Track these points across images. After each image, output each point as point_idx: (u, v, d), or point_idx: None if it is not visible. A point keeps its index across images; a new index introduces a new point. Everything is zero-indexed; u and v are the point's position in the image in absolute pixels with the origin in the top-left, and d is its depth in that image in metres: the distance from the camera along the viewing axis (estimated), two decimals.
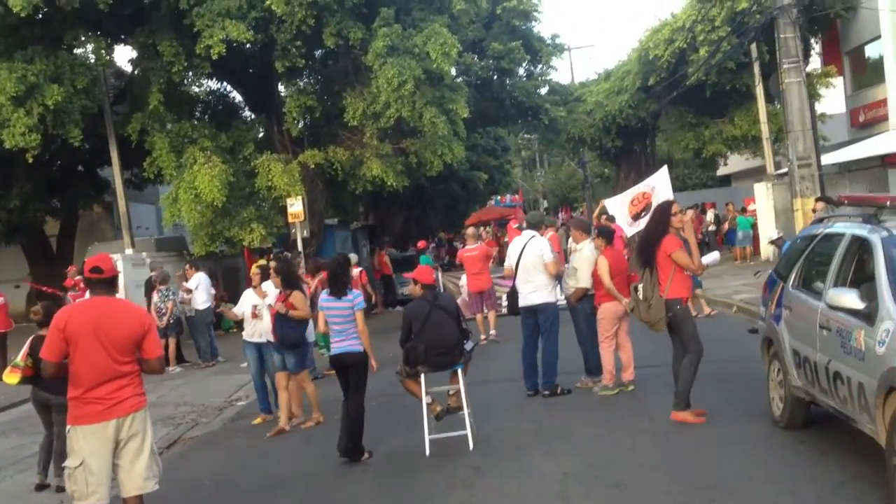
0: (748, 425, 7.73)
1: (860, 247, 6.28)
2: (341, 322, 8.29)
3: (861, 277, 6.19)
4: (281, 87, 23.25)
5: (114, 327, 5.60)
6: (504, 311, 17.58)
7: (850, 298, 5.79)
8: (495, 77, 28.04)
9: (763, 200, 25.69)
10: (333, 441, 8.41)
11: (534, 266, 9.94)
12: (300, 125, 21.99)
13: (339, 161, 21.70)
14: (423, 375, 8.27)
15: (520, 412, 9.39)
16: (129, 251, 20.65)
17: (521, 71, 29.23)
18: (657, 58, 26.25)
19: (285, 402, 10.07)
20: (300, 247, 19.99)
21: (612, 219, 18.78)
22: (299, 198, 20.11)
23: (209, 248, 21.06)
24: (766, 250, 23.38)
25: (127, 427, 5.63)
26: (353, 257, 20.38)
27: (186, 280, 17.44)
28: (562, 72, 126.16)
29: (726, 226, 28.51)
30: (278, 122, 22.73)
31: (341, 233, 26.04)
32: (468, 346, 8.33)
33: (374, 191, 24.72)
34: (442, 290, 19.85)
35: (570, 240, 16.49)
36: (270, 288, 10.51)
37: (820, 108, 28.54)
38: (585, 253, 10.10)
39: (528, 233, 10.42)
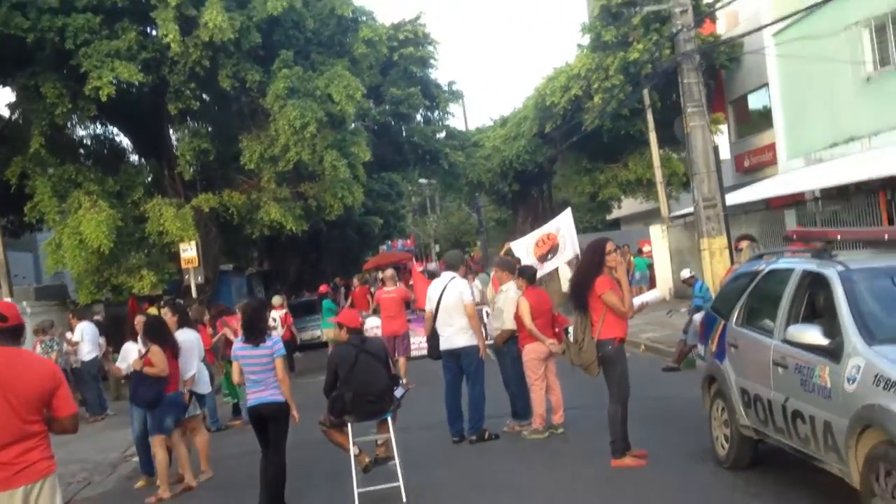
0: (693, 466, 7.48)
1: (812, 282, 6.14)
2: (259, 371, 7.68)
3: (813, 313, 6.03)
4: (172, 131, 22.39)
5: (21, 382, 4.90)
6: (414, 354, 17.25)
7: (813, 335, 5.59)
8: (393, 122, 27.85)
9: (658, 242, 26.19)
10: (247, 500, 7.74)
11: (454, 308, 9.57)
12: (193, 169, 21.13)
13: (235, 205, 20.93)
14: (349, 425, 7.71)
15: (449, 460, 8.91)
16: (7, 300, 19.24)
17: (419, 117, 29.19)
18: (554, 104, 26.51)
19: (163, 466, 9.15)
20: (194, 293, 19.10)
21: (518, 261, 18.73)
22: (193, 242, 19.25)
23: (95, 295, 19.89)
24: (663, 291, 23.75)
25: (35, 495, 4.91)
26: (278, 299, 19.70)
27: (71, 330, 16.34)
28: (457, 118, 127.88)
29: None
30: (169, 166, 21.80)
31: (236, 279, 25.19)
32: (398, 392, 7.83)
33: (270, 236, 24.01)
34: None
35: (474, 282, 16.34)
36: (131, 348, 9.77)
37: None
38: (511, 293, 9.80)
39: (447, 274, 10.04)
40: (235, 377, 8.07)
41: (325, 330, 18.98)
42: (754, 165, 28.52)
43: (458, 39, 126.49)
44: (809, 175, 20.51)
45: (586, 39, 27.44)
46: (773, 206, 23.03)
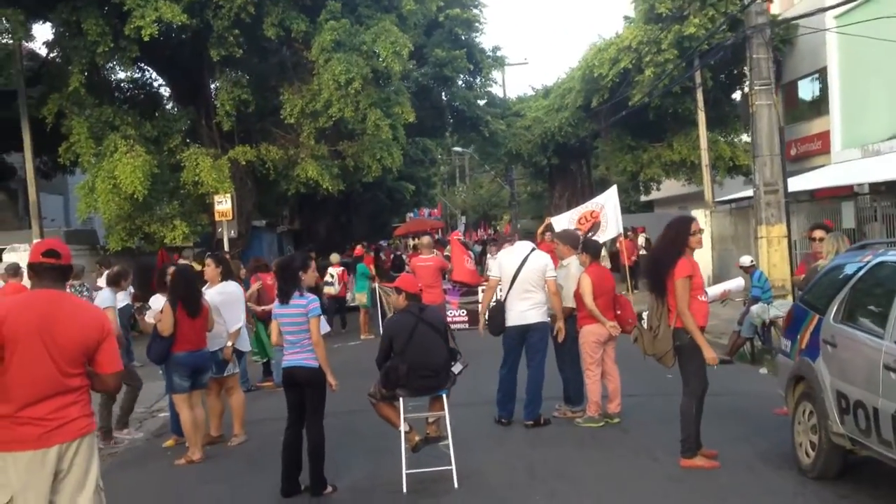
0: (772, 474, 6.86)
1: None
2: (293, 331, 7.08)
3: None
4: (212, 79, 21.82)
5: (64, 330, 4.38)
6: (464, 327, 16.69)
7: None
8: (434, 85, 27.11)
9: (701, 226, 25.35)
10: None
11: (535, 282, 8.88)
12: (231, 119, 20.59)
13: (272, 160, 20.44)
14: (401, 400, 7.15)
15: (499, 444, 8.33)
16: (37, 241, 18.87)
17: (460, 82, 28.42)
18: (602, 76, 25.69)
19: (188, 425, 8.58)
20: (226, 247, 18.62)
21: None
22: (228, 195, 18.72)
23: (126, 243, 19.49)
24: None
25: (70, 455, 4.42)
26: (335, 256, 19.33)
27: (100, 277, 15.88)
28: (496, 85, 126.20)
29: None
30: (207, 115, 21.29)
31: (268, 235, 24.70)
32: (456, 368, 7.24)
33: (304, 194, 23.48)
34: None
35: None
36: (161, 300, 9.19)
37: None
38: (572, 270, 9.16)
39: (525, 244, 9.30)
40: (273, 337, 7.51)
41: (357, 294, 18.42)
42: (802, 154, 27.59)
43: (497, 5, 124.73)
44: (872, 166, 19.63)
45: (633, 11, 26.60)
46: (818, 197, 22.23)
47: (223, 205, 18.63)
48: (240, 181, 20.56)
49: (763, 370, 11.91)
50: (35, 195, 20.12)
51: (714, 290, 10.83)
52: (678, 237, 7.13)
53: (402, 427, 7.14)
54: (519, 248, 9.33)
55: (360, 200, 34.80)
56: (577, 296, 8.86)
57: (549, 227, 20.04)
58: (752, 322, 12.56)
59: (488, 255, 19.99)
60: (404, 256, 28.57)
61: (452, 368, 7.19)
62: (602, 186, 36.83)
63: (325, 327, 7.39)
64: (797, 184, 22.72)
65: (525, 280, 8.93)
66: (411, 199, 41.85)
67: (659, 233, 7.79)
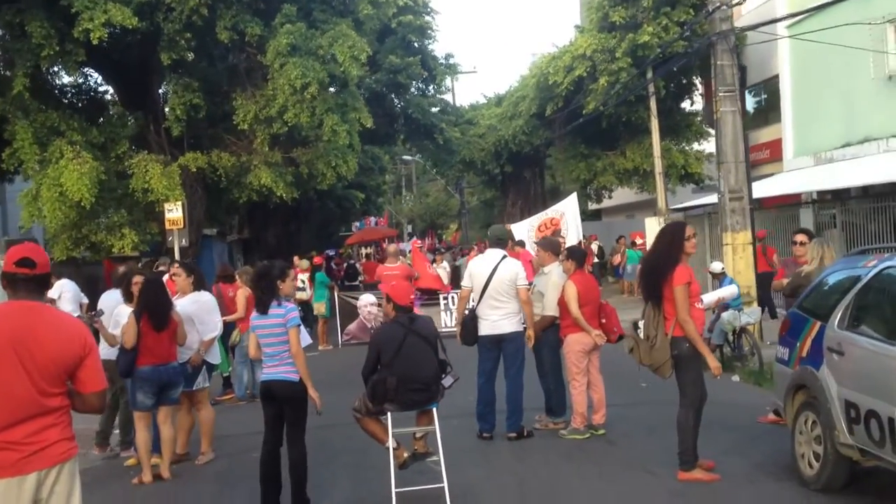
0: (774, 485, 6.66)
1: None
2: (272, 343, 6.70)
3: None
4: (162, 83, 21.18)
5: (43, 346, 3.97)
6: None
7: None
8: (388, 92, 26.76)
9: (654, 234, 25.38)
10: (249, 489, 6.80)
11: (507, 291, 8.58)
12: (181, 125, 19.93)
13: (224, 167, 19.83)
14: (389, 415, 6.79)
15: (485, 459, 8.02)
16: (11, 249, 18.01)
17: (413, 89, 28.11)
18: (556, 84, 25.55)
19: (141, 445, 8.15)
20: (177, 256, 17.98)
21: (521, 244, 17.95)
22: (179, 203, 18.08)
23: (71, 252, 18.71)
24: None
25: (50, 483, 4.01)
26: (304, 262, 18.82)
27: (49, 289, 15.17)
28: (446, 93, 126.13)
29: (617, 258, 28.24)
30: (156, 121, 20.59)
31: (219, 244, 24.03)
32: (447, 381, 6.90)
33: (255, 202, 22.91)
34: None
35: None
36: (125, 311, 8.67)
37: (710, 147, 28.86)
38: (554, 277, 8.89)
39: (495, 251, 8.96)
40: (252, 350, 7.09)
41: (316, 304, 17.97)
42: (751, 162, 27.87)
43: (446, 13, 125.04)
44: (827, 173, 19.81)
45: (585, 20, 26.58)
46: (766, 206, 22.40)
47: (174, 213, 18.00)
48: (190, 188, 19.89)
49: (735, 378, 11.79)
50: None
51: (709, 298, 10.65)
52: (674, 243, 6.92)
53: (390, 443, 6.78)
54: (489, 256, 9.04)
55: (310, 209, 34.19)
56: (562, 304, 8.60)
57: (510, 234, 19.98)
58: (722, 329, 12.44)
59: (435, 265, 19.73)
60: (357, 265, 28.15)
61: (443, 381, 6.85)
62: (554, 194, 36.94)
63: (306, 339, 6.99)
64: (761, 190, 22.90)
65: (496, 289, 8.65)
66: (360, 207, 41.34)
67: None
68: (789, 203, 21.41)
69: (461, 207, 44.86)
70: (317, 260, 20.71)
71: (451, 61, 28.93)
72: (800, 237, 9.25)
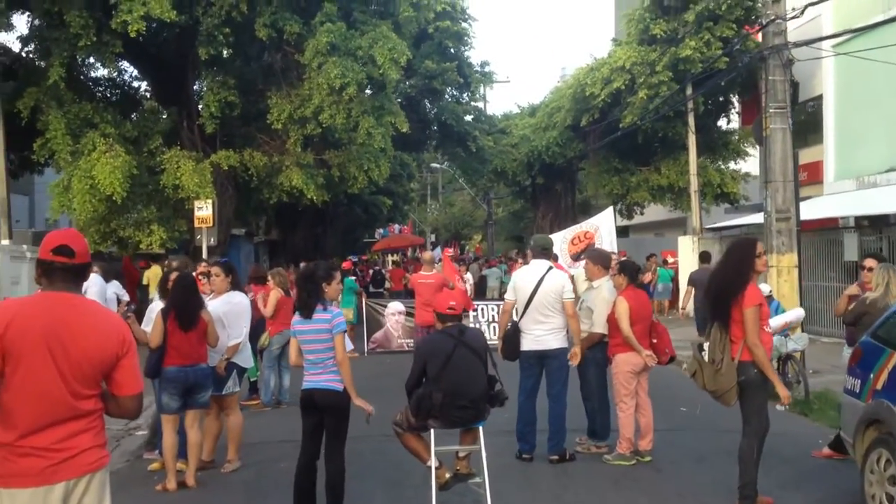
0: None
1: None
2: (316, 350, 6.33)
3: None
4: (197, 79, 20.96)
5: (78, 341, 3.60)
6: None
7: None
8: (423, 98, 26.44)
9: (687, 254, 24.88)
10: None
11: (552, 305, 8.16)
12: (215, 122, 19.69)
13: (256, 166, 19.58)
14: (432, 432, 6.41)
15: (527, 482, 7.59)
16: (5, 242, 17.79)
17: (447, 96, 27.79)
18: (593, 96, 25.16)
19: (168, 450, 7.82)
20: (205, 255, 17.70)
21: (554, 258, 17.55)
22: (209, 201, 17.84)
23: (98, 246, 18.52)
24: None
25: (79, 494, 3.64)
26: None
27: None
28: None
29: (648, 276, 27.70)
30: (189, 117, 20.38)
31: (246, 245, 23.76)
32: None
33: (282, 204, 22.64)
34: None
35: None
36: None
37: (746, 167, 28.36)
38: (604, 292, 8.48)
39: (541, 263, 8.51)
40: (293, 357, 6.67)
41: (343, 310, 17.55)
42: None
43: (479, 24, 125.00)
44: (871, 198, 19.27)
45: (621, 33, 26.16)
46: (805, 229, 21.91)
47: (203, 211, 17.76)
48: (221, 187, 19.66)
49: (780, 407, 11.26)
50: (5, 193, 19.09)
51: (776, 322, 10.18)
52: (745, 261, 6.48)
53: (433, 462, 6.39)
54: (534, 267, 8.57)
55: (336, 213, 33.92)
56: (612, 321, 8.18)
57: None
58: None
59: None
60: (384, 272, 27.81)
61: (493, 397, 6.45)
62: (585, 208, 36.45)
63: (349, 345, 6.63)
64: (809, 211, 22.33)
65: (541, 303, 8.21)
66: (387, 214, 41.02)
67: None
68: (827, 227, 20.83)
69: (488, 218, 44.42)
70: (345, 265, 20.35)
71: (487, 69, 28.49)
72: (869, 262, 8.75)
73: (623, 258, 10.78)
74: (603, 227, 19.02)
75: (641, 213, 31.94)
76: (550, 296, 8.14)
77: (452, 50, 26.72)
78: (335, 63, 17.28)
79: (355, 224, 39.80)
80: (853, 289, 9.15)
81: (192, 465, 7.88)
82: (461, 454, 6.71)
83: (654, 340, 8.25)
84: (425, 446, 6.46)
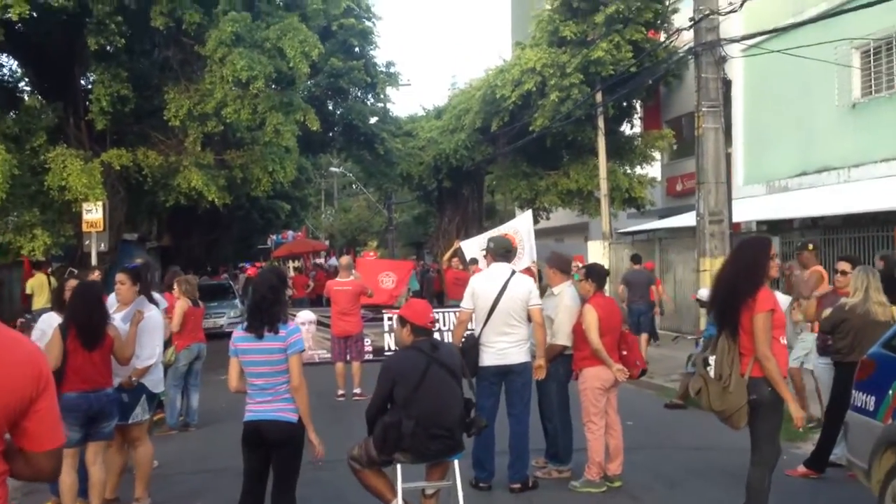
0: None
1: None
2: (266, 373, 5.24)
3: None
4: (86, 72, 19.32)
5: None
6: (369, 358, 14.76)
7: None
8: (328, 97, 25.33)
9: (598, 258, 24.51)
10: None
11: (517, 314, 7.25)
12: (106, 119, 18.11)
13: (150, 166, 18.10)
14: (398, 467, 5.43)
15: None
16: None
17: (353, 97, 26.76)
18: (503, 98, 24.53)
19: (66, 489, 6.51)
20: (94, 261, 16.18)
21: (474, 261, 16.81)
22: (100, 203, 16.32)
23: None
24: None
25: None
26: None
27: None
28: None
29: None
30: (76, 112, 18.75)
31: (139, 251, 22.09)
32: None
33: (179, 207, 21.15)
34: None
35: None
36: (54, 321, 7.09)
37: (651, 171, 28.28)
38: (566, 300, 7.60)
39: (502, 267, 7.58)
40: (233, 381, 5.42)
41: None
42: (688, 190, 27.24)
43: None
44: (780, 202, 19.21)
45: (513, 36, 25.71)
46: None
47: (93, 214, 16.23)
48: (112, 188, 18.12)
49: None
50: None
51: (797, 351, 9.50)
52: (756, 262, 5.67)
53: (398, 503, 5.41)
54: (496, 272, 7.61)
55: (233, 218, 32.31)
56: (578, 332, 7.35)
57: (457, 252, 18.77)
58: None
59: None
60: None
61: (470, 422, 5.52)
62: (491, 213, 35.87)
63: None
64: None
65: (505, 311, 7.27)
66: (284, 220, 39.52)
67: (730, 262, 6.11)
68: (734, 232, 20.74)
69: (388, 224, 43.38)
70: (250, 272, 19.08)
71: (392, 70, 27.60)
72: (842, 265, 8.15)
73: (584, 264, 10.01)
74: (522, 230, 18.37)
75: (547, 219, 31.56)
76: (517, 303, 7.24)
77: (357, 49, 25.78)
78: (241, 55, 16.07)
79: (252, 230, 38.19)
80: (823, 288, 8.64)
81: None
82: (428, 492, 5.74)
83: (624, 352, 7.45)
84: (388, 485, 5.48)
